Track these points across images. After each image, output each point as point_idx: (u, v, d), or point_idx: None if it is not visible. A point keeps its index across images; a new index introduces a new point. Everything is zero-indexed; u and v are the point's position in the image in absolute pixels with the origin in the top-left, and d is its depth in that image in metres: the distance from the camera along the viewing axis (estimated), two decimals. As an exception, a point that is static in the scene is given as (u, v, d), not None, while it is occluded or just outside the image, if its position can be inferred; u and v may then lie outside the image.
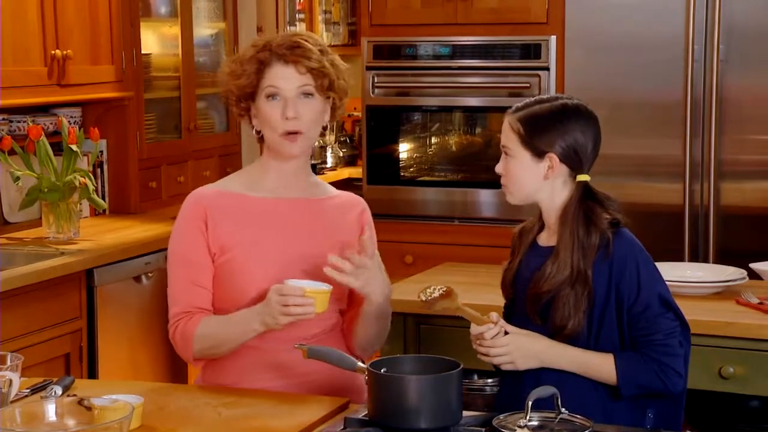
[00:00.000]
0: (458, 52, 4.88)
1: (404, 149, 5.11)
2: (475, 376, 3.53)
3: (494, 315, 2.38)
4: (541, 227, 2.47)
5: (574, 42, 4.63)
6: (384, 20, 4.99)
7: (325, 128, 2.56)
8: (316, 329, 2.47)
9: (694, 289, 3.29)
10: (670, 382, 2.33)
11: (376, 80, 5.01)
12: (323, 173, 6.01)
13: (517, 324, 2.39)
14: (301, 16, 6.46)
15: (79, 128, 4.40)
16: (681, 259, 4.27)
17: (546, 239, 2.45)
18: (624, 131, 4.49)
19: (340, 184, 5.15)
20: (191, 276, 2.49)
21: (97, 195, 4.32)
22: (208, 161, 5.31)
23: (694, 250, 4.42)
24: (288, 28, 6.04)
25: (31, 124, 4.20)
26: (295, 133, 2.46)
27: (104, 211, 4.62)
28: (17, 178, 4.06)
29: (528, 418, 2.05)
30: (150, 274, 4.22)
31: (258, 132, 2.52)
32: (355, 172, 6.13)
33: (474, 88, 4.88)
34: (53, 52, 4.22)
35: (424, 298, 2.33)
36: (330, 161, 6.37)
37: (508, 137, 2.40)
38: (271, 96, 2.46)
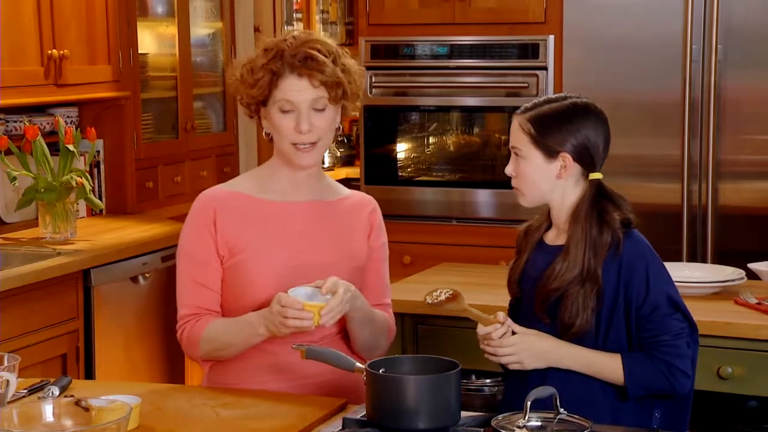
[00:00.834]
0: (456, 51, 4.88)
1: (402, 149, 5.11)
2: (473, 377, 3.53)
3: (501, 315, 2.38)
4: (548, 226, 2.48)
5: (572, 42, 4.64)
6: (381, 20, 4.99)
7: (337, 130, 2.55)
8: (320, 334, 2.47)
9: (692, 289, 3.29)
10: (678, 382, 2.34)
11: (373, 80, 5.01)
12: (321, 173, 6.01)
13: (524, 323, 2.39)
14: (299, 15, 6.45)
15: (76, 128, 4.40)
16: (679, 260, 4.28)
17: (554, 238, 2.45)
18: (622, 131, 4.45)
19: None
20: (197, 277, 2.49)
21: (94, 195, 4.31)
22: (205, 161, 5.30)
23: (692, 250, 4.43)
24: (285, 27, 6.04)
25: (27, 124, 4.20)
26: (310, 143, 2.46)
27: (101, 211, 4.62)
28: (14, 178, 4.06)
29: (527, 418, 2.05)
30: (147, 275, 4.22)
31: (268, 134, 2.52)
32: (353, 172, 6.13)
33: (472, 87, 4.89)
34: (50, 51, 4.22)
35: (430, 301, 2.33)
36: (327, 161, 6.37)
37: (519, 138, 2.39)
38: (285, 110, 2.44)
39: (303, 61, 2.42)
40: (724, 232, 4.41)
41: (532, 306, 2.41)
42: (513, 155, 2.42)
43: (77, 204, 4.23)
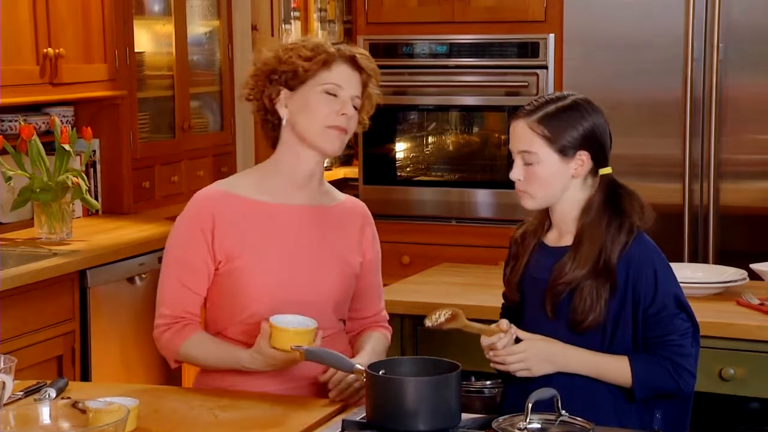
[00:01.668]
0: (455, 50, 4.88)
1: (401, 149, 5.11)
2: (473, 378, 3.53)
3: (504, 323, 2.37)
4: (548, 228, 2.47)
5: (572, 41, 4.63)
6: (380, 18, 4.99)
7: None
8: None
9: (694, 290, 3.29)
10: (684, 382, 2.35)
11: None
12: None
13: (528, 326, 2.40)
14: (296, 14, 6.46)
15: (72, 127, 4.39)
16: (680, 260, 4.28)
17: (556, 239, 2.44)
18: (623, 131, 4.45)
19: (335, 184, 5.14)
20: (185, 279, 2.48)
21: (90, 195, 4.31)
22: (202, 161, 5.30)
23: (693, 250, 4.43)
24: (283, 26, 6.04)
25: (23, 123, 4.20)
26: (343, 130, 2.47)
27: (97, 211, 4.62)
28: (9, 178, 4.06)
29: (528, 420, 2.05)
30: (144, 276, 4.21)
31: (283, 120, 2.49)
32: (351, 171, 6.13)
33: (471, 87, 4.88)
34: (45, 50, 4.21)
35: (430, 325, 2.32)
36: (325, 161, 6.37)
37: (530, 141, 2.37)
38: (331, 93, 2.45)
39: (356, 57, 2.48)
40: (726, 232, 4.41)
41: (536, 307, 2.41)
42: (519, 160, 2.39)
43: (73, 204, 4.22)
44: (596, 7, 4.58)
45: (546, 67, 4.71)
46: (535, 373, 2.34)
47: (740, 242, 4.39)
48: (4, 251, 3.92)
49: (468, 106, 4.96)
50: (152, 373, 4.27)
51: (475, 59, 4.86)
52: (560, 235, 2.44)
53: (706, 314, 3.06)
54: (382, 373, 2.18)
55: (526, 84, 4.73)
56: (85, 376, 3.92)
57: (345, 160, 6.52)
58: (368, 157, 5.06)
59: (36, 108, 4.47)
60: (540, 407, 2.08)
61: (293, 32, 6.31)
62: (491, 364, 2.40)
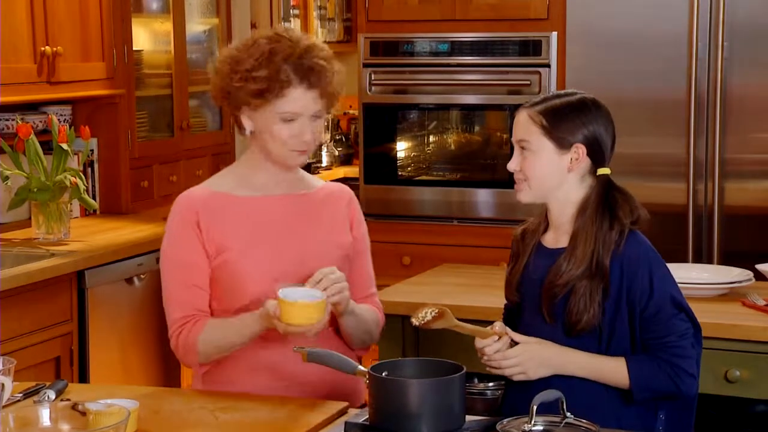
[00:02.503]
0: (457, 48, 4.88)
1: (401, 148, 5.10)
2: (476, 380, 3.53)
3: (498, 325, 2.38)
4: (545, 228, 2.48)
5: (575, 39, 4.63)
6: (380, 16, 4.99)
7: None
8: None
9: (698, 290, 3.29)
10: (683, 384, 2.35)
11: (372, 78, 5.01)
12: (318, 172, 6.01)
13: (526, 328, 2.40)
14: (296, 12, 6.46)
15: (70, 126, 4.40)
16: (685, 261, 4.28)
17: (553, 241, 2.45)
18: (626, 130, 4.43)
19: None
20: (187, 278, 2.49)
21: (88, 195, 4.31)
22: (200, 160, 5.30)
23: (698, 251, 4.43)
24: (283, 24, 6.03)
25: (20, 122, 4.20)
26: (304, 151, 2.50)
27: (95, 211, 4.61)
28: (6, 178, 4.06)
29: (533, 422, 2.05)
30: (142, 276, 4.22)
31: (251, 132, 2.51)
32: (351, 171, 6.13)
33: (473, 85, 4.88)
34: (43, 48, 4.21)
35: (417, 324, 2.33)
36: (325, 160, 6.37)
37: (528, 130, 2.39)
38: (288, 120, 2.45)
39: (311, 71, 2.43)
40: (730, 232, 4.41)
41: (534, 309, 2.41)
42: (518, 150, 2.42)
43: (71, 204, 4.22)
44: (599, 5, 4.58)
45: (548, 66, 4.70)
46: (532, 377, 2.35)
47: (745, 242, 4.39)
48: (1, 252, 3.92)
49: (469, 105, 4.96)
50: (151, 375, 4.27)
51: (476, 57, 4.86)
52: (557, 236, 2.45)
53: (711, 315, 3.06)
54: (385, 375, 2.18)
55: (529, 82, 4.73)
56: (83, 377, 3.92)
57: (345, 160, 6.52)
58: (369, 157, 5.06)
59: (33, 107, 4.47)
60: (542, 408, 2.07)
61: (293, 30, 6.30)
62: (487, 369, 2.40)
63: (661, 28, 4.47)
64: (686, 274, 3.40)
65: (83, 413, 2.02)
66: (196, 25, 5.39)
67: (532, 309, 2.43)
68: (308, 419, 2.24)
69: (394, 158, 5.08)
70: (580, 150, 2.38)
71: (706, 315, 3.05)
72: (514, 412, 2.18)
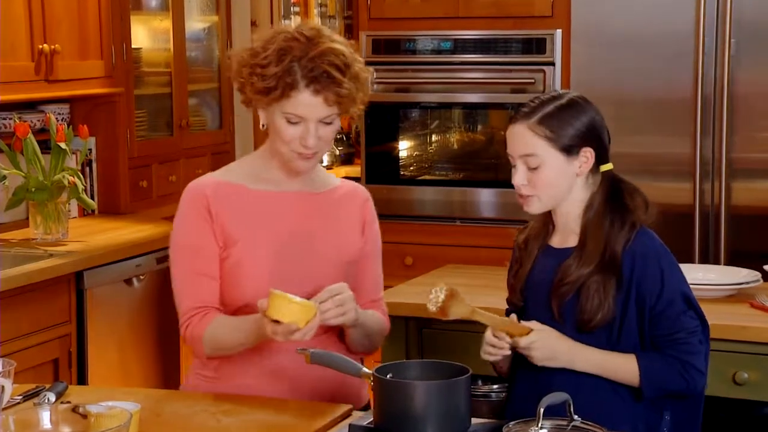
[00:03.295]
0: (460, 46, 4.88)
1: (404, 147, 5.10)
2: (480, 382, 3.52)
3: (512, 317, 2.38)
4: (551, 230, 2.47)
5: (580, 36, 4.63)
6: (383, 14, 4.98)
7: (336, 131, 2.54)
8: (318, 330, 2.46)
9: (706, 291, 3.28)
10: (693, 380, 2.36)
11: (374, 76, 4.94)
12: (319, 172, 6.02)
13: None
14: (296, 9, 6.46)
15: (68, 125, 4.39)
16: (691, 261, 4.27)
17: (560, 241, 2.45)
18: (632, 129, 4.49)
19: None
20: (198, 267, 2.47)
21: (86, 194, 4.31)
22: (200, 159, 5.30)
23: (704, 251, 4.42)
24: (283, 21, 6.03)
25: (17, 121, 4.19)
26: (313, 153, 2.45)
27: (93, 211, 4.61)
28: (3, 177, 4.05)
29: (539, 425, 2.05)
30: (141, 277, 4.21)
31: (264, 126, 2.50)
32: (352, 171, 6.12)
33: (476, 84, 4.88)
34: (40, 46, 4.21)
35: (434, 309, 2.32)
36: (326, 159, 6.38)
37: (532, 144, 2.36)
38: (292, 122, 2.42)
39: (319, 77, 2.38)
40: (737, 232, 4.40)
41: (541, 309, 2.41)
42: (521, 164, 2.38)
43: (69, 204, 4.22)
44: (604, 2, 4.57)
45: (553, 64, 4.70)
46: (536, 362, 2.34)
47: (753, 243, 4.38)
48: (-1, 252, 3.92)
49: (472, 104, 4.96)
50: (150, 377, 4.27)
51: (479, 55, 4.85)
52: (564, 237, 2.45)
53: (718, 317, 3.05)
54: (390, 377, 2.18)
55: (533, 81, 4.73)
56: (82, 379, 3.91)
57: (346, 159, 6.52)
58: (370, 156, 5.06)
59: (31, 105, 4.47)
60: (547, 411, 2.07)
61: (293, 28, 6.31)
62: (483, 355, 2.38)
63: (667, 25, 4.46)
64: (693, 274, 3.38)
65: (84, 416, 2.01)
66: (196, 23, 5.38)
67: (538, 309, 2.42)
68: (311, 422, 2.24)
69: (396, 157, 5.08)
70: (588, 153, 2.38)
71: (713, 316, 3.02)
72: (519, 413, 2.18)
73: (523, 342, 2.32)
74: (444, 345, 3.31)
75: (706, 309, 2.53)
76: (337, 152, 6.48)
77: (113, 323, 4.08)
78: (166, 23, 5.10)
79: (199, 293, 2.48)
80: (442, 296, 2.31)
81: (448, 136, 5.11)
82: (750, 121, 4.39)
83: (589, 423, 2.09)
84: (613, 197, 2.40)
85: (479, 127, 5.06)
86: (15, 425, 1.92)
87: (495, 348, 2.36)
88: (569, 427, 2.07)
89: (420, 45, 4.94)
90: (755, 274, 3.39)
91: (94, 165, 4.73)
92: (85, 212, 4.63)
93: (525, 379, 2.41)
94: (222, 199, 2.48)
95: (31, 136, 4.08)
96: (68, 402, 2.25)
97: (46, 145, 4.19)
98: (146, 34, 5.08)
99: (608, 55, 4.57)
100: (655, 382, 2.35)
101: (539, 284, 2.43)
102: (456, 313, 2.32)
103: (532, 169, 2.37)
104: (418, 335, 3.36)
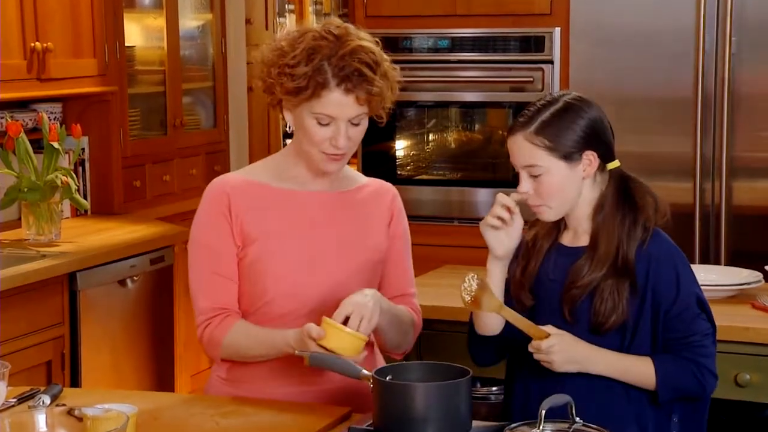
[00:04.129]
0: (458, 44, 4.88)
1: (401, 146, 5.10)
2: (478, 384, 3.53)
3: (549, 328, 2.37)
4: (562, 229, 2.47)
5: (579, 34, 4.63)
6: (380, 11, 4.98)
7: None
8: None
9: (707, 292, 3.20)
10: (707, 382, 2.37)
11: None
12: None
13: None
14: (291, 7, 6.47)
15: (60, 125, 4.39)
16: (692, 261, 4.21)
17: (571, 240, 2.45)
18: (631, 128, 4.49)
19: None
20: (217, 268, 2.47)
21: (79, 194, 4.31)
22: (194, 159, 5.30)
23: (705, 251, 4.43)
24: (278, 19, 6.04)
25: (9, 120, 4.19)
26: (338, 157, 2.44)
27: (86, 211, 4.61)
28: (-5, 177, 4.06)
29: (541, 427, 2.05)
30: (135, 278, 4.21)
31: (288, 124, 2.49)
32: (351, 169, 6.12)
33: (474, 82, 4.88)
34: (33, 44, 4.21)
35: (468, 299, 2.31)
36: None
37: (532, 154, 2.36)
38: (322, 123, 2.40)
39: (350, 75, 2.36)
40: (738, 232, 4.41)
41: (552, 310, 2.40)
42: (525, 174, 2.38)
43: (61, 204, 4.21)
44: (604, 0, 4.58)
45: (551, 62, 4.70)
46: (557, 369, 2.33)
47: (754, 243, 4.39)
48: (-9, 253, 3.92)
49: (471, 103, 4.96)
50: (144, 379, 4.27)
51: (478, 54, 4.86)
52: (576, 235, 2.44)
53: (720, 318, 3.00)
54: (390, 379, 2.18)
55: (531, 79, 4.73)
56: (75, 382, 3.91)
57: (342, 159, 6.51)
58: (367, 155, 5.06)
59: (23, 104, 4.47)
60: (549, 413, 2.07)
61: (288, 26, 6.32)
62: (484, 223, 2.41)
63: (667, 22, 4.47)
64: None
65: (80, 419, 2.02)
66: (190, 21, 5.39)
67: (549, 310, 2.41)
68: (311, 424, 2.24)
69: (393, 157, 5.08)
70: (590, 155, 2.37)
71: (715, 317, 3.04)
72: (519, 414, 2.18)
73: (544, 345, 2.32)
74: (442, 347, 3.31)
75: (707, 310, 2.55)
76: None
77: (107, 325, 4.08)
78: (159, 21, 5.10)
79: (218, 294, 2.47)
80: (474, 285, 2.31)
81: (445, 135, 5.11)
82: (751, 120, 4.39)
83: (591, 425, 2.09)
84: (623, 195, 2.39)
85: (477, 126, 5.06)
86: (10, 428, 1.92)
87: (500, 221, 2.36)
88: (571, 430, 2.08)
89: (417, 43, 4.94)
90: (757, 275, 3.40)
91: (87, 165, 4.73)
92: (78, 212, 4.63)
93: (531, 380, 2.41)
94: (244, 198, 2.47)
95: (23, 135, 4.08)
96: (63, 405, 2.25)
97: (38, 145, 4.19)
98: (140, 32, 5.08)
99: (607, 54, 4.58)
100: (671, 384, 2.35)
101: (551, 283, 2.42)
102: (488, 305, 2.32)
103: (536, 178, 2.37)
104: (417, 337, 3.36)
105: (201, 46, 5.49)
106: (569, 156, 2.36)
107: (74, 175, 4.22)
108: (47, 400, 2.31)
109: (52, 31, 4.31)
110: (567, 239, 2.46)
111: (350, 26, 2.48)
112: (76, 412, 2.03)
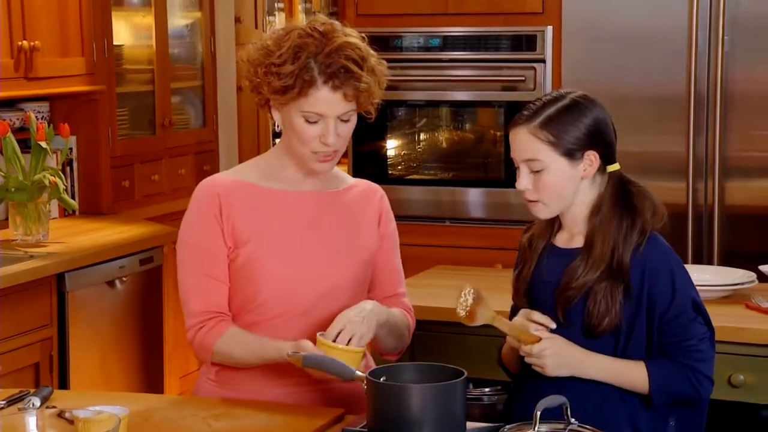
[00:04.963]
0: (449, 43, 4.88)
1: (391, 146, 5.10)
2: (471, 385, 3.53)
3: (536, 315, 2.38)
4: (556, 229, 2.47)
5: (571, 33, 4.64)
6: (370, 10, 4.98)
7: None
8: None
9: (700, 292, 3.24)
10: (702, 387, 2.37)
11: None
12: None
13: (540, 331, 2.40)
14: (281, 5, 6.46)
15: (48, 124, 4.38)
16: (685, 262, 4.24)
17: (566, 241, 2.45)
18: (624, 127, 4.39)
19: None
20: (208, 270, 2.46)
21: (67, 194, 4.30)
22: (183, 159, 5.29)
23: (698, 251, 4.44)
24: (267, 18, 6.04)
25: (-4, 119, 4.18)
26: (333, 152, 2.44)
27: (74, 211, 4.60)
28: (-17, 177, 4.04)
29: (536, 429, 2.05)
30: (124, 279, 4.21)
31: (277, 124, 2.49)
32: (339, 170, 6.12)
33: (465, 81, 4.88)
34: (20, 43, 4.20)
35: (463, 314, 2.32)
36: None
37: (534, 149, 2.36)
38: (311, 121, 2.40)
39: (337, 72, 2.37)
40: (732, 232, 4.42)
41: (547, 312, 2.40)
42: (525, 168, 2.38)
43: (49, 204, 4.20)
44: (596, -2, 4.59)
45: (543, 61, 4.71)
46: (549, 373, 2.34)
47: (747, 243, 4.40)
48: (-22, 254, 3.91)
49: (462, 102, 4.96)
50: (133, 381, 4.26)
51: (469, 53, 4.86)
52: (571, 236, 2.45)
53: (713, 318, 2.98)
54: (384, 380, 2.18)
55: (523, 78, 4.74)
56: (63, 384, 3.90)
57: (332, 158, 6.51)
58: (357, 155, 5.06)
59: (10, 103, 4.45)
60: (546, 414, 2.07)
61: (277, 24, 6.31)
62: None
63: (659, 21, 4.48)
64: (688, 275, 3.40)
65: (71, 421, 2.01)
66: (179, 19, 5.38)
67: (544, 311, 2.42)
68: (304, 426, 2.24)
69: (384, 157, 5.08)
70: (592, 156, 2.37)
71: (709, 318, 3.06)
72: (516, 415, 2.18)
73: (535, 349, 2.32)
74: (436, 347, 3.31)
75: (701, 310, 2.56)
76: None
77: (96, 326, 4.07)
78: (148, 19, 5.09)
79: (210, 296, 2.47)
80: (470, 300, 2.31)
81: (436, 134, 5.11)
82: (744, 119, 4.40)
83: (586, 426, 2.09)
84: (621, 199, 2.39)
85: (468, 126, 5.06)
86: (1, 431, 1.92)
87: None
88: (566, 431, 2.08)
89: (408, 42, 4.94)
90: (750, 275, 3.41)
91: (75, 164, 4.72)
92: (66, 213, 4.62)
93: (529, 384, 2.41)
94: (234, 198, 2.47)
95: (10, 134, 4.07)
96: (54, 407, 2.24)
97: (26, 144, 4.18)
98: (128, 31, 5.07)
99: (600, 52, 4.58)
100: (665, 389, 2.36)
101: (546, 285, 2.43)
102: (482, 317, 2.32)
103: (536, 174, 2.37)
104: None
105: (190, 44, 5.49)
106: (571, 153, 2.36)
107: (62, 175, 4.21)
108: (37, 402, 2.30)
109: (39, 29, 4.30)
110: (561, 241, 2.46)
111: (336, 23, 2.48)
112: (67, 415, 2.02)
